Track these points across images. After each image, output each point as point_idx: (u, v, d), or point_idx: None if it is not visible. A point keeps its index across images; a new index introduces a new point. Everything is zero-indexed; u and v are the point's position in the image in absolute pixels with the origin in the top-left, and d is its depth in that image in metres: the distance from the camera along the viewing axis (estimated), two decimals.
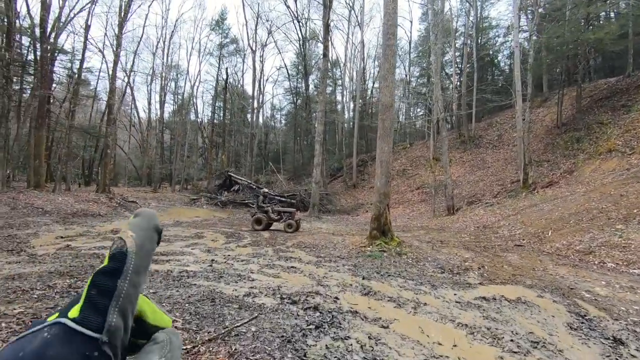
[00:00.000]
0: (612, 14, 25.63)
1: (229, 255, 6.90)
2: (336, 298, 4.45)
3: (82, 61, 17.72)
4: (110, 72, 18.14)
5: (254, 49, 33.87)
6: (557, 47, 22.62)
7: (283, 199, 24.34)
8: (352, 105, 43.91)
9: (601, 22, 26.95)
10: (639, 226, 9.84)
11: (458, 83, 30.76)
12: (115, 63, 17.85)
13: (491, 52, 37.76)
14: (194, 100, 44.00)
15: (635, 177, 14.21)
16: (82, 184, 28.41)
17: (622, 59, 25.76)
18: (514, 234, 12.49)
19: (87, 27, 17.68)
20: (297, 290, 4.68)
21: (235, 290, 4.48)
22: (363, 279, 5.58)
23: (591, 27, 23.35)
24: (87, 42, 17.99)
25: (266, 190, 13.11)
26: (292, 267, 6.11)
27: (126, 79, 30.32)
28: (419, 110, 46.79)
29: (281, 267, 6.05)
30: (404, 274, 6.04)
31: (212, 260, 6.31)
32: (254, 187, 23.90)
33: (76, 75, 17.57)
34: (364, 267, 6.46)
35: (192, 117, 45.91)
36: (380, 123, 8.41)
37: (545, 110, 28.03)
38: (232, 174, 24.84)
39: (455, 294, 4.97)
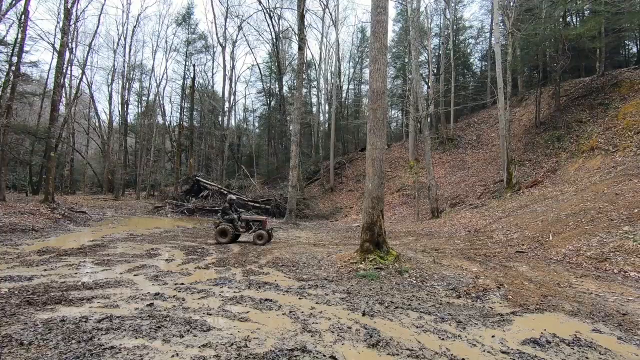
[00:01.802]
0: (586, 13, 25.75)
1: (182, 285, 5.22)
2: (333, 358, 2.94)
3: (20, 52, 15.30)
4: (55, 64, 15.80)
5: (223, 45, 31.92)
6: (535, 45, 22.35)
7: (257, 205, 22.58)
8: (326, 108, 42.73)
9: (575, 20, 27.23)
10: None
11: (433, 83, 30.16)
12: (61, 54, 15.54)
13: (465, 54, 37.74)
14: (161, 101, 41.30)
15: (625, 174, 13.64)
16: (30, 192, 25.34)
17: (589, 59, 25.89)
18: (511, 238, 11.47)
19: (26, 13, 15.31)
20: (273, 346, 3.13)
21: (177, 356, 2.86)
22: (364, 314, 4.10)
23: (569, 24, 23.37)
24: (27, 31, 15.59)
25: (233, 195, 11.35)
26: (266, 299, 4.54)
27: (82, 76, 27.53)
28: (393, 112, 46.20)
29: (251, 302, 4.46)
30: (414, 302, 4.62)
31: (157, 294, 4.63)
32: (225, 192, 21.99)
33: (13, 68, 15.13)
34: (360, 293, 4.98)
35: (160, 120, 43.12)
36: (371, 113, 7.02)
37: (522, 110, 27.88)
38: (201, 179, 22.81)
39: (493, 336, 3.59)
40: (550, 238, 10.45)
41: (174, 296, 4.58)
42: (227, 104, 35.82)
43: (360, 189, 30.05)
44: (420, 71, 36.68)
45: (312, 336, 3.41)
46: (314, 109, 44.64)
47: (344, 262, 6.77)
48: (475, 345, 3.36)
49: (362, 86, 46.72)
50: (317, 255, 7.77)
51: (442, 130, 30.47)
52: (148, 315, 3.73)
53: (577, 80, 26.52)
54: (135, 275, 5.80)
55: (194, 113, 39.60)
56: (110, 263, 6.67)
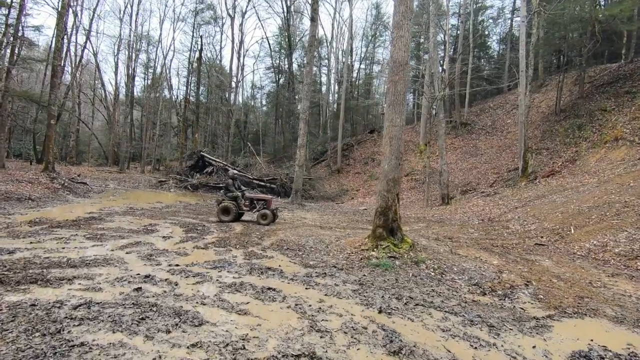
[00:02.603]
0: None
1: (176, 267, 4.72)
2: None
3: (19, 13, 14.56)
4: (56, 27, 15.03)
5: (232, 15, 30.71)
6: (562, 27, 20.99)
7: (262, 183, 22.08)
8: (335, 88, 41.54)
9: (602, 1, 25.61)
10: None
11: (449, 65, 28.84)
12: (62, 15, 14.75)
13: (482, 36, 36.06)
14: (168, 74, 40.35)
15: None
16: (34, 162, 25.07)
17: (615, 44, 24.44)
18: (528, 229, 10.85)
19: None
20: (276, 348, 2.61)
21: (159, 357, 2.35)
22: (380, 312, 3.57)
23: (597, 6, 21.88)
24: None
25: (236, 171, 10.74)
26: (269, 288, 4.02)
27: (86, 43, 26.71)
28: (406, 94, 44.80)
29: (252, 290, 3.95)
30: (436, 299, 4.08)
31: (147, 277, 4.13)
32: (230, 169, 21.46)
33: (12, 30, 14.42)
34: (374, 285, 4.45)
35: (167, 94, 42.31)
36: (391, 86, 6.30)
37: (541, 96, 26.67)
38: (206, 155, 22.26)
39: (533, 347, 3.04)
40: (572, 231, 9.82)
41: (166, 280, 4.08)
42: (234, 80, 34.85)
43: (368, 171, 29.41)
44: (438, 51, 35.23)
45: (321, 337, 2.89)
46: (324, 89, 43.46)
47: (354, 248, 6.23)
48: (515, 358, 2.82)
49: (373, 66, 45.29)
50: (325, 239, 7.24)
51: (456, 115, 29.40)
52: (133, 303, 3.22)
53: (602, 66, 25.17)
54: (127, 253, 5.32)
55: (201, 88, 38.76)
56: (103, 238, 6.21)
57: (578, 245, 8.82)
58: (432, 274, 5.20)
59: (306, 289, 4.18)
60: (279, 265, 5.12)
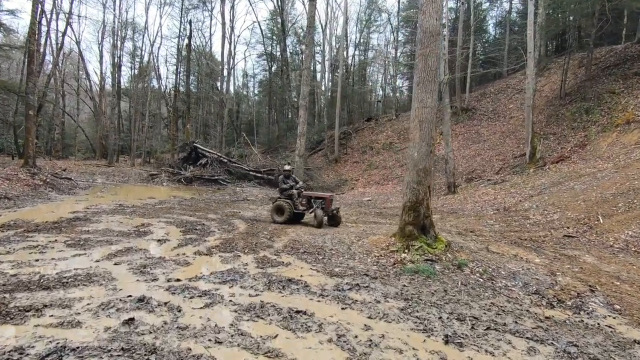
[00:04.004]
0: None
1: (177, 282, 3.84)
2: None
3: None
4: (32, 8, 13.70)
5: None
6: (570, 4, 20.14)
7: (259, 175, 21.13)
8: (329, 76, 40.33)
9: None
10: None
11: (449, 48, 27.85)
12: None
13: (480, 19, 35.07)
14: (155, 63, 38.65)
15: None
16: (16, 156, 23.69)
17: (618, 24, 23.76)
18: (551, 220, 10.16)
19: None
20: None
21: None
22: (446, 342, 2.76)
23: None
24: None
25: (287, 166, 9.36)
26: (297, 312, 3.17)
27: (67, 28, 25.06)
28: (399, 82, 43.79)
29: (277, 315, 3.10)
30: (504, 318, 3.28)
31: (141, 299, 3.24)
32: (225, 160, 20.46)
33: None
34: (422, 301, 3.63)
35: (155, 84, 40.65)
36: (421, 61, 5.41)
37: (545, 80, 25.93)
38: (199, 146, 21.17)
39: None
40: (601, 221, 9.14)
41: (165, 303, 3.20)
42: (226, 67, 33.46)
43: (366, 160, 28.58)
44: None
45: None
46: (318, 76, 42.21)
47: (381, 250, 5.41)
48: None
49: (368, 53, 44.06)
50: (344, 238, 6.41)
51: (457, 100, 28.56)
52: (122, 348, 2.34)
53: (607, 48, 24.46)
54: (115, 264, 4.41)
55: (191, 77, 37.25)
56: (88, 245, 5.27)
57: (612, 236, 8.14)
58: (481, 280, 4.41)
59: (342, 309, 3.34)
60: (301, 276, 4.27)
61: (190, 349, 2.41)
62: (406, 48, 41.65)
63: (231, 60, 34.15)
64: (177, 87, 33.83)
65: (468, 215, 11.96)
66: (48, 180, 12.12)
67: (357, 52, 43.25)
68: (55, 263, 4.30)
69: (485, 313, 3.39)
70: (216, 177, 18.85)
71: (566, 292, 4.17)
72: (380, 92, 44.94)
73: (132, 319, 2.82)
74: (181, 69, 36.91)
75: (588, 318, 3.51)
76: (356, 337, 2.77)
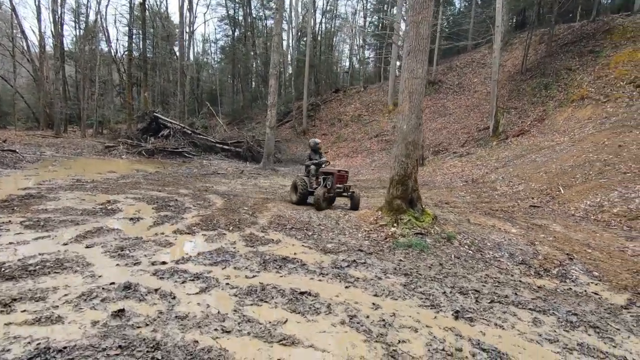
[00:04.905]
0: None
1: (163, 265, 3.53)
2: None
3: None
4: None
5: None
6: None
7: (227, 147, 20.33)
8: (295, 44, 38.91)
9: None
10: None
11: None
12: None
13: None
14: (103, 23, 35.03)
15: (623, 126, 13.10)
16: None
17: (572, 3, 24.78)
18: (517, 190, 10.71)
19: None
20: None
21: None
22: (456, 318, 2.75)
23: None
24: None
25: (316, 139, 8.35)
26: (302, 293, 3.02)
27: None
28: (368, 52, 43.27)
29: (281, 297, 2.93)
30: (503, 290, 3.35)
31: (128, 287, 2.92)
32: (189, 132, 19.38)
33: None
34: (422, 275, 3.62)
35: (104, 47, 37.03)
36: (413, 29, 5.17)
37: (507, 55, 26.66)
38: (160, 116, 19.79)
39: None
40: (562, 191, 9.76)
41: (156, 290, 2.91)
42: (185, 31, 31.04)
43: (335, 132, 28.45)
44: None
45: None
46: (284, 44, 40.55)
47: (369, 223, 5.35)
48: None
49: (335, 21, 42.81)
50: (329, 212, 6.28)
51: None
52: (119, 346, 2.06)
53: (565, 25, 25.42)
54: (87, 246, 3.97)
55: (146, 41, 34.29)
56: (50, 226, 4.72)
57: (573, 206, 8.73)
58: (470, 252, 4.50)
59: (346, 287, 3.23)
60: (295, 254, 4.10)
61: (197, 342, 2.19)
62: (374, 18, 40.94)
63: (191, 24, 31.70)
64: (131, 51, 31.03)
65: (439, 187, 12.32)
66: None
67: (324, 20, 41.85)
68: (15, 248, 3.79)
69: (484, 285, 3.45)
70: (181, 150, 17.85)
71: (549, 261, 4.36)
72: (347, 64, 44.31)
73: (122, 310, 2.52)
74: (134, 31, 33.79)
75: (575, 286, 3.68)
76: (368, 317, 2.68)
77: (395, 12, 29.52)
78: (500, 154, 15.32)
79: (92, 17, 33.38)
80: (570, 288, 3.58)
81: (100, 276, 3.16)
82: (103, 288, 2.89)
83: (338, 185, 6.97)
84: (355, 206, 6.98)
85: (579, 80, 18.87)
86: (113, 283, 2.99)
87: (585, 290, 3.53)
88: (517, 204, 9.38)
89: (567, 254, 4.68)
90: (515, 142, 17.07)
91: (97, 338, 2.15)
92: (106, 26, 34.78)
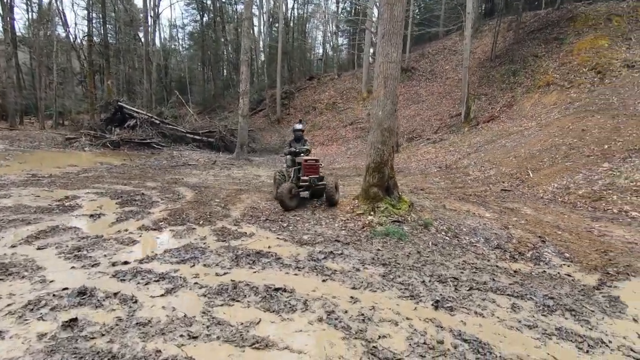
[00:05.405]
0: None
1: (125, 265, 3.25)
2: None
3: None
4: None
5: None
6: None
7: (198, 137, 19.63)
8: (267, 30, 37.92)
9: None
10: (629, 165, 8.81)
11: None
12: None
13: None
14: (59, 4, 32.54)
15: (586, 110, 13.62)
16: None
17: None
18: (488, 175, 10.95)
19: None
20: None
21: None
22: (436, 308, 2.68)
23: None
24: None
25: (298, 125, 7.38)
26: (275, 289, 2.85)
27: None
28: (341, 39, 42.89)
29: (254, 295, 2.75)
30: (481, 276, 3.33)
31: (83, 292, 2.64)
32: (158, 122, 18.53)
33: None
34: (400, 265, 3.54)
35: (62, 32, 34.51)
36: (387, 10, 4.99)
37: (477, 42, 27.06)
38: (125, 105, 18.75)
39: (639, 336, 2.43)
40: (530, 175, 10.05)
41: (115, 294, 2.65)
42: (149, 15, 29.43)
43: (310, 121, 28.12)
44: None
45: None
46: (255, 30, 39.42)
47: (346, 212, 5.24)
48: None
49: (308, 7, 42.01)
50: (305, 202, 6.11)
51: None
52: None
53: (532, 13, 26.06)
54: (39, 248, 3.62)
55: (108, 26, 32.31)
56: None
57: (541, 189, 9.00)
58: (447, 238, 4.48)
59: (323, 281, 3.10)
60: (269, 247, 3.92)
61: (160, 351, 1.98)
62: (347, 4, 40.42)
63: (155, 8, 30.09)
64: (91, 37, 29.12)
65: (414, 173, 12.42)
66: None
67: (296, 5, 40.95)
68: None
69: (462, 272, 3.41)
70: (149, 141, 17.04)
71: (523, 245, 4.41)
72: (321, 51, 43.75)
73: (74, 320, 2.26)
74: (93, 15, 31.70)
75: (548, 268, 3.73)
76: (346, 312, 2.56)
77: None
78: (471, 140, 15.63)
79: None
80: (544, 271, 3.62)
81: (51, 281, 2.85)
82: (54, 295, 2.60)
83: (304, 178, 5.89)
84: (329, 200, 5.85)
85: (544, 67, 19.42)
86: (66, 288, 2.71)
87: (559, 273, 3.58)
88: (489, 188, 9.58)
89: (540, 237, 4.76)
90: (485, 128, 17.44)
91: (42, 354, 1.90)
92: (62, 9, 32.34)
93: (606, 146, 10.17)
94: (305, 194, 6.27)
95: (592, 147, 10.43)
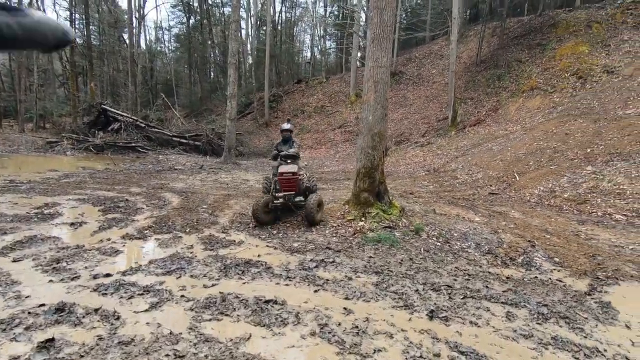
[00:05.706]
0: None
1: (107, 277, 3.10)
2: None
3: None
4: None
5: None
6: None
7: (185, 141, 19.32)
8: (254, 33, 37.77)
9: None
10: (611, 168, 9.01)
11: None
12: None
13: None
14: (40, 6, 31.69)
15: (569, 115, 13.91)
16: None
17: None
18: (476, 178, 11.05)
19: None
20: None
21: None
22: (431, 318, 2.63)
23: None
24: None
25: (286, 125, 6.53)
26: (266, 301, 2.75)
27: None
28: (329, 43, 43.02)
29: (244, 308, 2.65)
30: (474, 283, 3.30)
31: (61, 308, 2.48)
32: (143, 125, 18.16)
33: None
34: (393, 273, 3.48)
35: None
36: (376, 15, 4.97)
37: (463, 47, 27.48)
38: (109, 108, 18.33)
39: (633, 344, 2.42)
40: (517, 178, 10.18)
41: (96, 310, 2.51)
42: (134, 17, 28.96)
43: (298, 124, 28.03)
44: None
45: None
46: (243, 33, 39.18)
47: (336, 218, 5.16)
48: None
49: (296, 10, 42.07)
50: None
51: None
52: None
53: (515, 19, 26.64)
54: (15, 260, 3.43)
55: (91, 27, 31.66)
56: None
57: (527, 192, 9.12)
58: (439, 244, 4.46)
59: (315, 291, 3.01)
60: (259, 256, 3.81)
61: None
62: (334, 7, 40.60)
63: (140, 9, 29.63)
64: (73, 38, 28.45)
65: (403, 177, 12.46)
66: None
67: (284, 9, 40.92)
68: None
69: (455, 280, 3.37)
70: (133, 144, 16.68)
71: (514, 250, 4.42)
72: (309, 54, 43.83)
73: (51, 340, 2.12)
74: (76, 16, 31.06)
75: (539, 274, 3.72)
76: (340, 324, 2.48)
77: (355, 1, 29.46)
78: (459, 143, 15.80)
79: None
80: (536, 277, 3.61)
81: (27, 297, 2.69)
82: (29, 312, 2.44)
83: (277, 195, 5.08)
84: (308, 219, 4.98)
85: (528, 72, 19.81)
86: (43, 305, 2.55)
87: (550, 278, 3.58)
88: (477, 191, 9.66)
89: (529, 241, 4.79)
90: (472, 132, 17.67)
91: None
92: (44, 9, 31.54)
93: (589, 150, 10.37)
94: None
95: (575, 150, 10.63)
